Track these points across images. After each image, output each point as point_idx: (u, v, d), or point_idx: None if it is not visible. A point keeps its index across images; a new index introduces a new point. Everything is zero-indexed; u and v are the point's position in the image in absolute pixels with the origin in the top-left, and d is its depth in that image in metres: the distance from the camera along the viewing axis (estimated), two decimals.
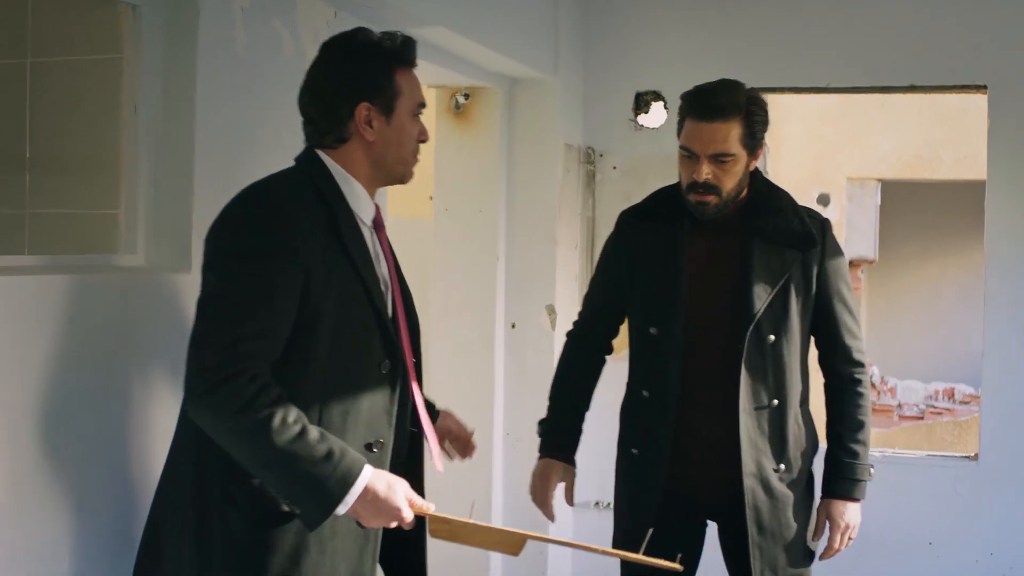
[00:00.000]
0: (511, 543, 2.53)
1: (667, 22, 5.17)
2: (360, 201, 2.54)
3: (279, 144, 3.23)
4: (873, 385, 10.53)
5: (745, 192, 3.22)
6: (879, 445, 9.48)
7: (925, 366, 11.83)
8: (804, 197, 9.79)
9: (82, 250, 2.94)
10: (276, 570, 2.38)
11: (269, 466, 2.30)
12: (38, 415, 2.45)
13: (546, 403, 3.48)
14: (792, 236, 3.20)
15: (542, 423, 3.47)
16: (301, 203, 2.41)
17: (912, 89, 5.03)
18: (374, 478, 2.34)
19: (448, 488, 4.95)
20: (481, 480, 4.96)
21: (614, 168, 5.23)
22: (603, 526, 3.52)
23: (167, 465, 2.50)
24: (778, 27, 5.05)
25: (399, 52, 2.54)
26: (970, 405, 11.42)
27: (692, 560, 3.33)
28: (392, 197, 4.36)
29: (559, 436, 3.44)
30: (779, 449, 3.21)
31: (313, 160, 2.52)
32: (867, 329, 12.98)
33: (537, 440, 3.44)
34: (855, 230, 10.36)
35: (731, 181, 3.13)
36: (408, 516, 2.39)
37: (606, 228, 5.22)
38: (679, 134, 3.18)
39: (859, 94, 5.31)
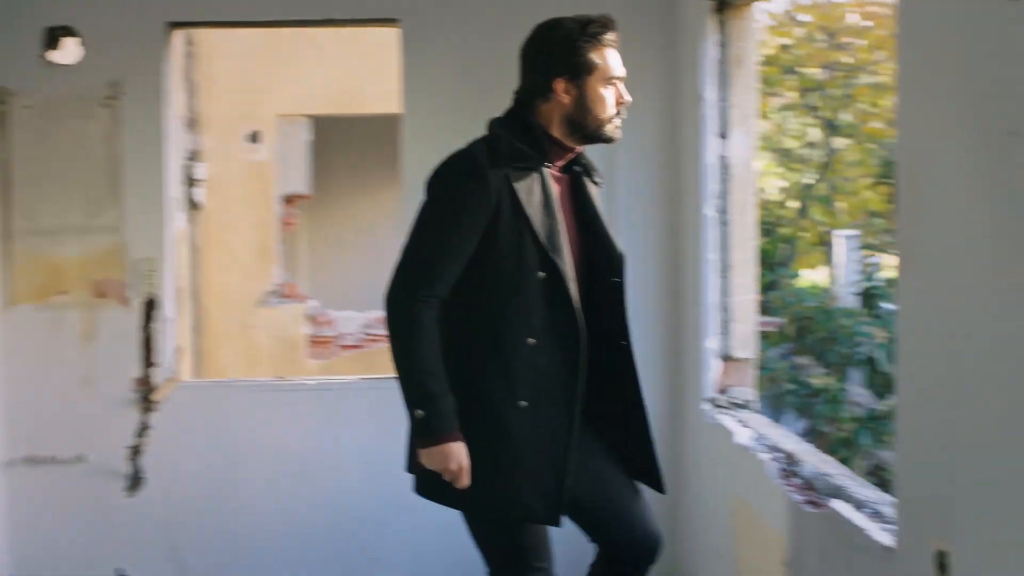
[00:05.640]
0: None
1: None
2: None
3: None
4: (313, 318, 10.73)
5: None
6: (324, 374, 9.74)
7: (362, 296, 12.21)
8: (235, 136, 9.86)
9: None
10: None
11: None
12: None
13: (397, 382, 3.11)
14: (595, 174, 3.42)
15: (428, 405, 3.12)
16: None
17: (329, 23, 5.16)
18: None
19: None
20: None
21: (26, 107, 4.93)
22: None
23: None
24: None
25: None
26: None
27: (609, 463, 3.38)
28: None
29: (454, 411, 3.15)
30: None
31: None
32: (307, 264, 13.25)
33: None
34: (289, 167, 10.46)
35: None
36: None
37: (22, 170, 4.97)
38: (588, 67, 3.21)
39: (281, 28, 5.35)
